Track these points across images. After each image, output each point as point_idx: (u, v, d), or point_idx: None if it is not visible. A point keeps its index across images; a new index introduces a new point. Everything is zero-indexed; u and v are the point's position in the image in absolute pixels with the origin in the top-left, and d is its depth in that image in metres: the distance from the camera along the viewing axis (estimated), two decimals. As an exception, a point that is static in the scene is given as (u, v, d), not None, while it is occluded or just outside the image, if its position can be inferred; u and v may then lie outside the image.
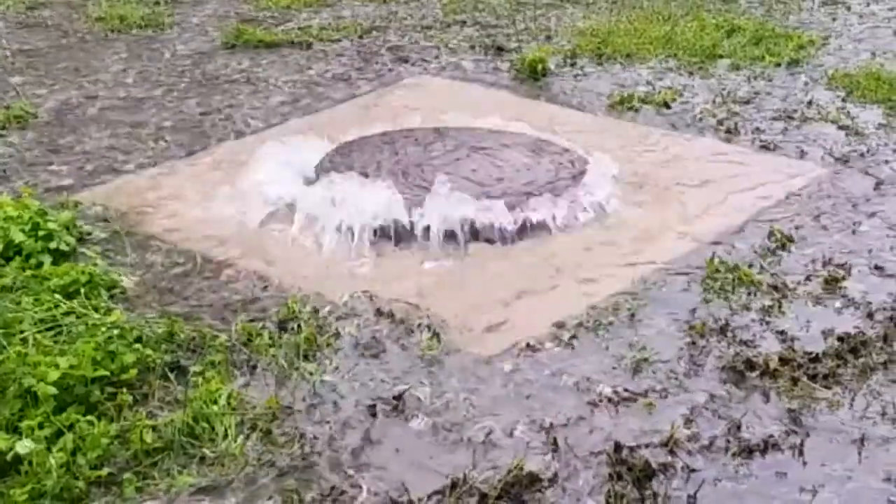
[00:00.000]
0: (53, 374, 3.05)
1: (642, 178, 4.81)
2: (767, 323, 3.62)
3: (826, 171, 4.88)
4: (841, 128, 5.42)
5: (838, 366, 3.35)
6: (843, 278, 3.90)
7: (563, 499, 2.80)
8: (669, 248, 4.15)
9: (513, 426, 3.08)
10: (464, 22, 7.66)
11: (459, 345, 3.52)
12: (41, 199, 4.49)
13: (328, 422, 3.12)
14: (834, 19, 7.58)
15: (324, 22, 7.67)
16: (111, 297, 3.77)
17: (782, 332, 3.55)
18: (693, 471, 2.89)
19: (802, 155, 5.09)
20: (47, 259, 3.94)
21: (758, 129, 5.44)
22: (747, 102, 5.84)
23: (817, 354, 3.40)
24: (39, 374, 3.05)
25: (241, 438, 3.01)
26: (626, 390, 3.25)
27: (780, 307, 3.71)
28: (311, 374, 3.35)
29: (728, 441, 3.01)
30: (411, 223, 4.22)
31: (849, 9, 7.86)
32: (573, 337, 3.55)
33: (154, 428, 3.02)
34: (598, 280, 3.93)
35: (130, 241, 4.28)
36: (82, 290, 3.67)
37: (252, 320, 3.65)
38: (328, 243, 4.19)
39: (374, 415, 3.15)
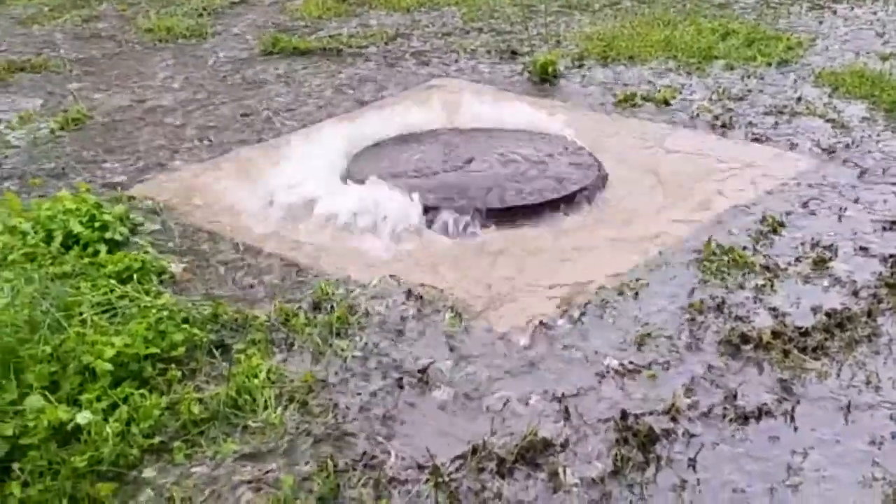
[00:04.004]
0: (109, 352, 3.07)
1: (644, 168, 4.78)
2: (760, 300, 3.60)
3: (814, 161, 4.84)
4: (828, 121, 5.38)
5: (826, 339, 3.33)
6: (830, 259, 3.87)
7: (574, 462, 2.79)
8: (669, 233, 4.13)
9: (528, 396, 3.08)
10: (480, 29, 7.63)
11: (479, 323, 3.51)
12: (97, 193, 4.50)
13: (359, 393, 3.12)
14: (820, 22, 7.52)
15: (352, 30, 7.66)
16: (161, 282, 3.78)
17: (774, 309, 3.53)
18: (693, 436, 2.88)
19: (792, 147, 5.04)
20: (103, 248, 3.95)
21: (751, 123, 5.39)
22: (741, 99, 5.79)
23: (807, 329, 3.38)
24: (97, 352, 3.07)
25: (280, 409, 3.02)
26: (631, 363, 3.23)
27: (772, 286, 3.69)
28: (343, 350, 3.35)
29: (725, 408, 2.99)
30: (434, 212, 4.21)
31: (834, 13, 7.79)
32: (582, 314, 3.54)
33: (201, 400, 3.03)
34: (605, 262, 3.91)
35: (178, 230, 4.29)
36: (135, 276, 3.69)
37: (289, 302, 3.66)
38: (359, 232, 4.18)
39: (401, 387, 3.15)
